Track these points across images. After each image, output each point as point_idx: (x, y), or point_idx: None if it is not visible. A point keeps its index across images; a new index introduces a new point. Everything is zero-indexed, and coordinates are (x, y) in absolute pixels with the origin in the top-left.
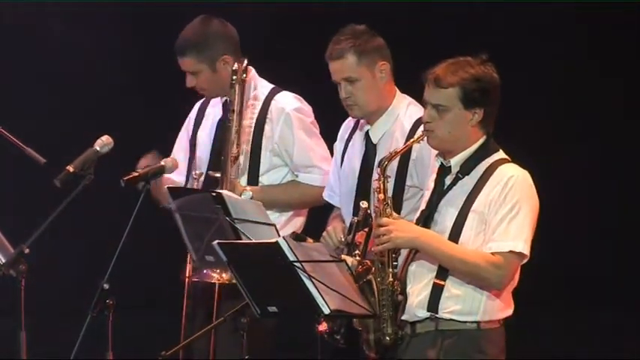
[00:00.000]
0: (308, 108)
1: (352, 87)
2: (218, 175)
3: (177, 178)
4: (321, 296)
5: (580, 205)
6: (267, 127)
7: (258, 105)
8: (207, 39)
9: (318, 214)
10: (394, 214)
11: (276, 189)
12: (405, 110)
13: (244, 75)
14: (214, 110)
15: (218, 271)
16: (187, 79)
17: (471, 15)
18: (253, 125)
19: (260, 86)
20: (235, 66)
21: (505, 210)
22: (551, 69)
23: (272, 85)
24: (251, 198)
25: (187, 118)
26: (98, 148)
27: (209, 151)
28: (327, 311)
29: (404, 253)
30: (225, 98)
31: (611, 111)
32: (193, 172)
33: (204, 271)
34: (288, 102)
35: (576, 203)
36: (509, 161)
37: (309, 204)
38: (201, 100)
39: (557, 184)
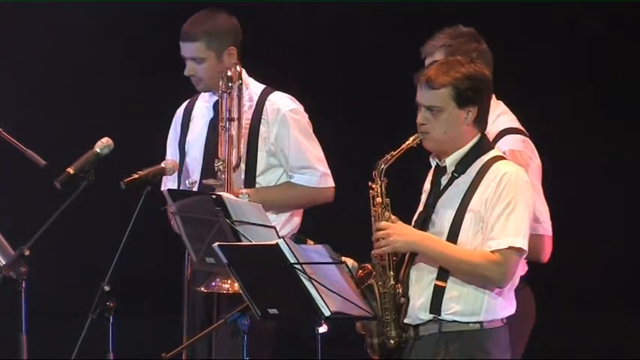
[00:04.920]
0: (302, 108)
1: None
2: (212, 182)
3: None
4: (322, 298)
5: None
6: (262, 128)
7: (252, 106)
8: (219, 27)
9: (317, 215)
10: (392, 217)
11: (272, 190)
12: (494, 120)
13: (240, 81)
14: (202, 112)
15: (229, 281)
16: (187, 67)
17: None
18: (248, 126)
19: (251, 86)
20: (230, 72)
21: (501, 207)
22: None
23: (263, 85)
24: (248, 200)
25: (173, 123)
26: (98, 150)
27: (202, 154)
28: (327, 313)
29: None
30: (216, 99)
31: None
32: (186, 181)
33: (213, 283)
34: (284, 103)
35: (585, 202)
36: (503, 158)
37: (305, 205)
38: (185, 103)
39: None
